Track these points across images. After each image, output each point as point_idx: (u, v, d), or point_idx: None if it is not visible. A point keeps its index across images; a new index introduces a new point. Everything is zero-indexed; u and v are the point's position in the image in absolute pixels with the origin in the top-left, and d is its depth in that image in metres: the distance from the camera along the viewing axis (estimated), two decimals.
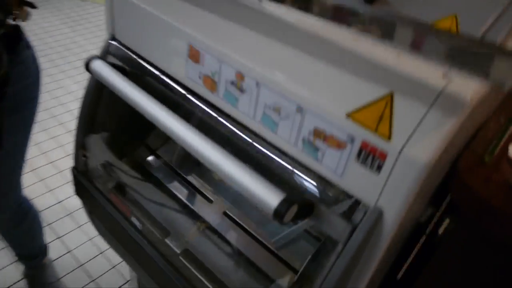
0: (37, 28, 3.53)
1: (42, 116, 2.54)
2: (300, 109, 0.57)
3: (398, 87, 0.49)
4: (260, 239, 0.85)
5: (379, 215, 0.53)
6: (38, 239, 1.45)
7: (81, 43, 3.47)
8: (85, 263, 1.76)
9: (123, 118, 0.98)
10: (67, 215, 1.97)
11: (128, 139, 1.00)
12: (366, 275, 0.57)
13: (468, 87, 0.46)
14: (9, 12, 0.88)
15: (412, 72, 0.48)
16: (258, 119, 0.63)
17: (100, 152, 0.96)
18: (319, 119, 0.55)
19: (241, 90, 0.64)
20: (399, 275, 0.62)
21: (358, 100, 0.52)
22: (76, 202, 2.04)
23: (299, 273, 0.75)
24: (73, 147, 0.95)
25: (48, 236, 1.66)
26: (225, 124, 0.70)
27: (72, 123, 2.54)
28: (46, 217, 1.90)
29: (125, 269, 1.73)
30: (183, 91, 0.75)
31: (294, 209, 0.53)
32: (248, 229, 0.87)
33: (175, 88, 0.76)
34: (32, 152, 2.22)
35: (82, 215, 1.99)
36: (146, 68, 0.80)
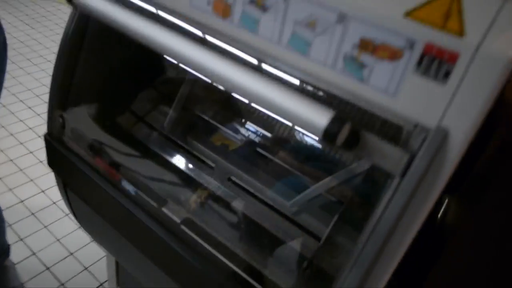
0: None
1: (0, 112, 2.32)
2: (342, 18, 0.48)
3: None
4: (273, 205, 0.75)
5: (443, 137, 0.45)
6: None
7: (41, 40, 3.25)
8: (53, 265, 1.57)
9: (105, 79, 0.85)
10: (31, 215, 1.78)
11: (111, 105, 0.87)
12: (423, 212, 0.48)
13: None
14: None
15: None
16: (284, 43, 0.53)
17: (84, 126, 0.83)
18: (368, 25, 0.46)
19: (263, 8, 0.54)
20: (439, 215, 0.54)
21: None
22: (40, 201, 1.88)
23: (327, 232, 0.65)
24: (47, 111, 0.81)
25: (9, 237, 1.47)
26: (241, 57, 0.59)
27: (32, 121, 2.33)
28: (6, 217, 1.69)
29: (98, 271, 1.57)
30: (187, 26, 0.63)
31: (346, 129, 0.43)
32: (258, 195, 0.76)
33: (177, 23, 0.64)
34: None
35: (48, 215, 1.84)
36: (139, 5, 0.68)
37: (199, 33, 0.62)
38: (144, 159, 0.81)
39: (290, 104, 0.45)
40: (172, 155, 0.84)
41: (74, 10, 0.70)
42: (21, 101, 2.50)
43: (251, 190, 0.77)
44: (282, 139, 0.84)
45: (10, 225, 1.68)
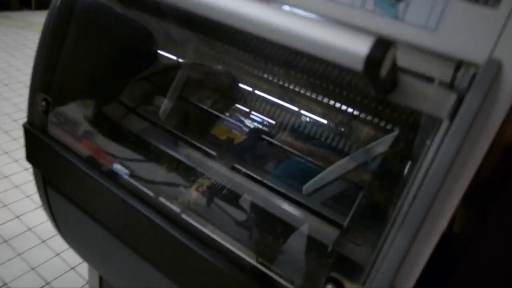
0: None
1: None
2: None
3: None
4: (285, 191, 0.67)
5: (496, 70, 0.39)
6: None
7: (20, 67, 3.17)
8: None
9: (93, 66, 0.78)
10: (15, 218, 1.66)
11: (100, 92, 0.79)
12: (476, 160, 0.41)
13: None
14: None
15: None
16: None
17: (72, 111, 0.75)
18: None
19: None
20: None
21: None
22: (23, 205, 1.74)
23: (351, 214, 0.57)
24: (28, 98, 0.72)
25: None
26: None
27: (9, 145, 2.21)
28: None
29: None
30: None
31: (392, 54, 0.37)
32: (267, 182, 0.69)
33: None
34: None
35: (32, 217, 1.69)
36: None
37: None
38: (141, 149, 0.73)
39: (323, 32, 0.39)
40: (170, 146, 0.76)
41: None
42: None
43: (258, 178, 0.70)
44: (289, 125, 0.77)
45: None
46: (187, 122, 0.81)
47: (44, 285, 1.48)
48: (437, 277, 0.51)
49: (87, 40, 0.74)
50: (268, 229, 0.62)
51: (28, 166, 0.85)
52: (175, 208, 0.63)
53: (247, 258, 0.56)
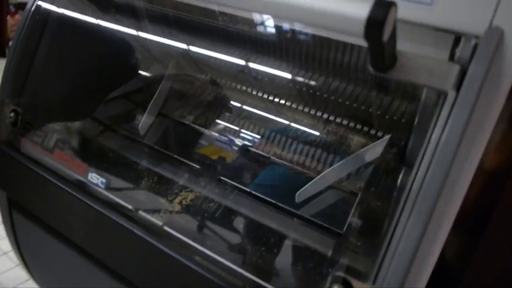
0: None
1: None
2: None
3: None
4: (275, 202, 0.62)
5: (499, 38, 0.38)
6: None
7: None
8: None
9: (69, 78, 0.74)
10: None
11: (75, 106, 0.75)
12: (487, 129, 0.38)
13: None
14: None
15: None
16: None
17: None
18: None
19: None
20: None
21: None
22: None
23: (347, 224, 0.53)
24: None
25: None
26: None
27: None
28: None
29: None
30: None
31: (393, 16, 0.35)
32: (256, 193, 0.64)
33: None
34: None
35: None
36: None
37: None
38: (121, 164, 0.67)
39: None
40: (148, 161, 0.70)
41: None
42: None
43: (245, 189, 0.65)
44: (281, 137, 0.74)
45: None
46: (169, 138, 0.77)
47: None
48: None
49: (60, 52, 0.70)
50: (260, 239, 0.57)
51: None
52: (157, 222, 0.57)
53: (243, 272, 0.50)
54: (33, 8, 0.66)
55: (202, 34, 0.71)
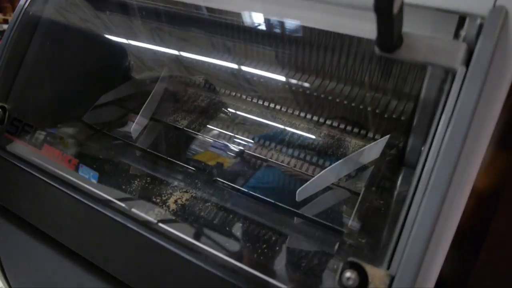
0: None
1: None
2: None
3: None
4: (275, 202, 0.60)
5: (504, 17, 0.38)
6: None
7: None
8: None
9: (59, 79, 0.72)
10: None
11: (65, 108, 0.72)
12: (498, 101, 0.38)
13: None
14: None
15: None
16: None
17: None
18: None
19: None
20: None
21: None
22: None
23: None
24: None
25: None
26: None
27: None
28: None
29: None
30: None
31: None
32: (254, 193, 0.62)
33: None
34: None
35: None
36: None
37: None
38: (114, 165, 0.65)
39: None
40: (142, 163, 0.68)
41: None
42: None
43: (242, 189, 0.62)
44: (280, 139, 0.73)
45: None
46: (162, 143, 0.75)
47: None
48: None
49: (51, 52, 0.69)
50: (263, 235, 0.54)
51: None
52: (152, 219, 0.54)
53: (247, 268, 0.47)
54: (26, 5, 0.65)
55: (198, 34, 0.71)
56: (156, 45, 0.76)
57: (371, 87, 0.66)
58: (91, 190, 0.53)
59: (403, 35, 0.41)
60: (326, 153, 0.69)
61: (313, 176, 0.61)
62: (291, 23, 0.60)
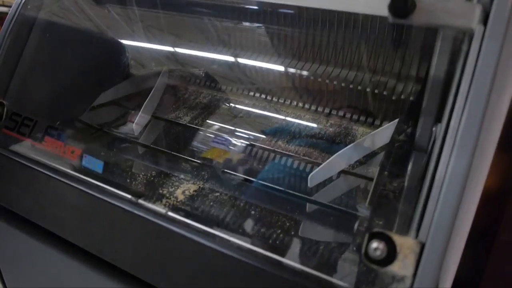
0: None
1: None
2: None
3: None
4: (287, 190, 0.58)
5: None
6: None
7: None
8: None
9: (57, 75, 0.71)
10: None
11: (65, 104, 0.70)
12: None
13: None
14: None
15: None
16: None
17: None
18: None
19: None
20: None
21: None
22: None
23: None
24: None
25: None
26: None
27: None
28: None
29: None
30: None
31: None
32: (266, 183, 0.60)
33: None
34: None
35: None
36: None
37: None
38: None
39: None
40: (148, 158, 0.66)
41: None
42: None
43: (252, 179, 0.61)
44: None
45: None
46: (166, 140, 0.73)
47: None
48: None
49: (49, 48, 0.67)
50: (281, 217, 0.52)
51: None
52: (161, 209, 0.51)
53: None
54: (22, 1, 0.63)
55: (194, 18, 0.70)
56: (155, 40, 0.75)
57: (377, 70, 0.65)
58: (96, 180, 0.51)
59: (416, 0, 0.41)
60: (334, 141, 0.68)
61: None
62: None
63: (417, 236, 0.36)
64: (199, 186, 0.59)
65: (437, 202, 0.35)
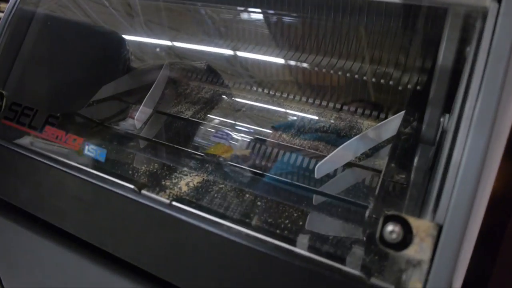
0: None
1: None
2: None
3: None
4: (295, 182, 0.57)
5: None
6: None
7: None
8: None
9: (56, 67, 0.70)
10: None
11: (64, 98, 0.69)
12: None
13: None
14: None
15: None
16: None
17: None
18: None
19: None
20: None
21: None
22: None
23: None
24: None
25: None
26: None
27: None
28: None
29: None
30: None
31: None
32: (274, 176, 0.59)
33: None
34: None
35: None
36: None
37: None
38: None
39: None
40: (152, 151, 0.65)
41: None
42: None
43: (257, 171, 0.59)
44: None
45: None
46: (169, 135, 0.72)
47: None
48: None
49: (49, 40, 0.66)
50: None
51: None
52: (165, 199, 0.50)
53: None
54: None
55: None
56: (154, 34, 0.74)
57: (382, 60, 0.64)
58: (98, 171, 0.50)
59: None
60: (339, 135, 0.67)
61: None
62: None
63: (433, 218, 0.35)
64: (203, 178, 0.58)
65: (455, 182, 0.34)
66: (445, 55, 0.52)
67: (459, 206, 0.33)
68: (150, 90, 0.70)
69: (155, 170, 0.59)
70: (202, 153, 0.65)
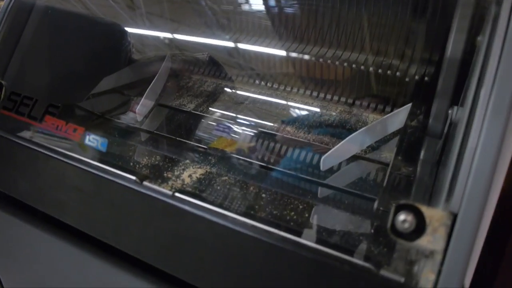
0: None
1: None
2: None
3: None
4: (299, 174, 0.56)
5: None
6: None
7: None
8: None
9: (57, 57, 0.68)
10: None
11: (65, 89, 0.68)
12: None
13: None
14: None
15: None
16: None
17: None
18: None
19: None
20: None
21: None
22: None
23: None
24: None
25: None
26: None
27: None
28: None
29: None
30: None
31: None
32: (278, 168, 0.57)
33: None
34: None
35: None
36: None
37: None
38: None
39: None
40: (153, 144, 0.63)
41: None
42: None
43: (263, 164, 0.58)
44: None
45: None
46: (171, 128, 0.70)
47: None
48: None
49: (49, 31, 0.65)
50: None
51: None
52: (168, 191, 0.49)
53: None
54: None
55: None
56: (155, 27, 0.73)
57: (388, 52, 0.63)
58: (99, 162, 0.48)
59: None
60: (344, 128, 0.66)
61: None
62: None
63: (447, 207, 0.34)
64: (206, 170, 0.56)
65: (470, 170, 0.33)
66: (454, 45, 0.51)
67: (475, 194, 0.32)
68: (152, 83, 0.69)
69: (157, 163, 0.58)
70: (205, 147, 0.64)
